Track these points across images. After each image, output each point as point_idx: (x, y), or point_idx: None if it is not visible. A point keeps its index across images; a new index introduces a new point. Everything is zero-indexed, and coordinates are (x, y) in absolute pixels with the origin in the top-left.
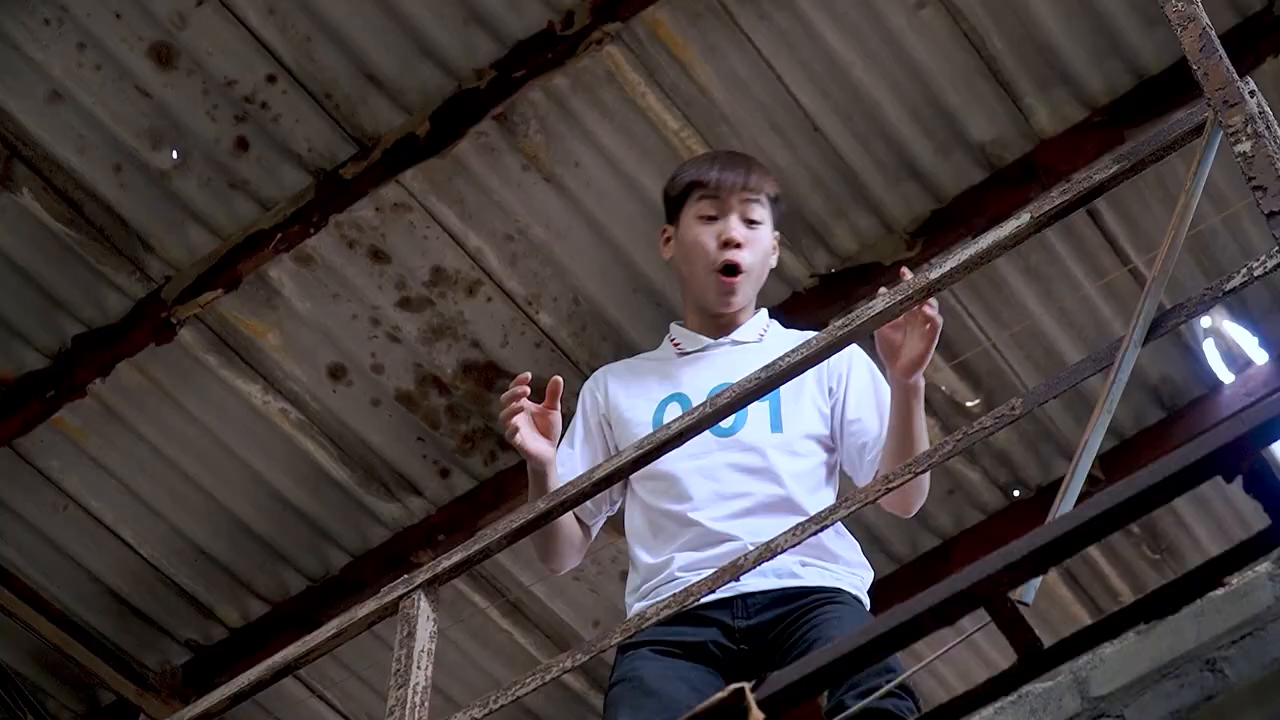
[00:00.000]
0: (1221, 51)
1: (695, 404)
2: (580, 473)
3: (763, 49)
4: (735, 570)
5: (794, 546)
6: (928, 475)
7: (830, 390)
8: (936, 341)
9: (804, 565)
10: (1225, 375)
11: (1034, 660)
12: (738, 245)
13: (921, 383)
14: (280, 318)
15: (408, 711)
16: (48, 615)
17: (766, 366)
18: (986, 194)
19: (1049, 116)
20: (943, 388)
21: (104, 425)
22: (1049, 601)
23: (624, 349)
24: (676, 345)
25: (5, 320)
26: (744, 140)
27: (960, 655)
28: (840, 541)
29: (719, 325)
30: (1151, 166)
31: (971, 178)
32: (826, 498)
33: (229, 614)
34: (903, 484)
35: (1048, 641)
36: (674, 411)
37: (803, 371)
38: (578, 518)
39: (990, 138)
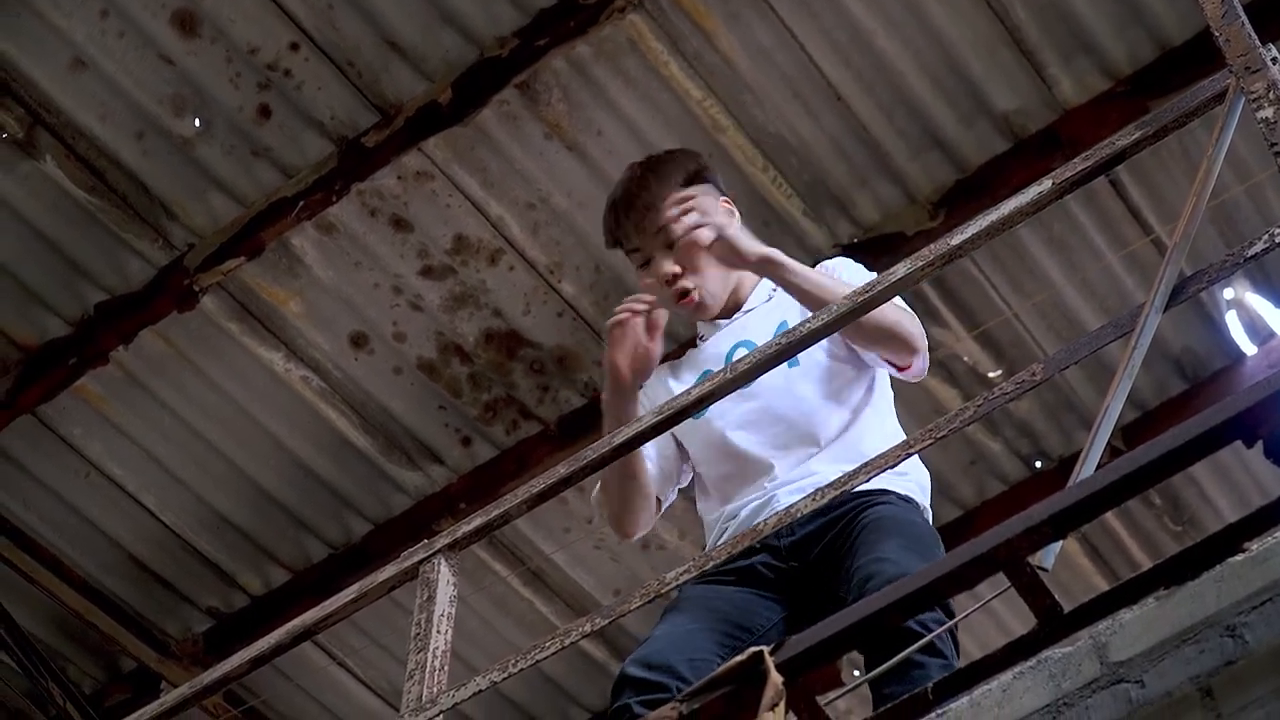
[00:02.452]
0: (1244, 17)
1: (717, 371)
2: (655, 451)
3: (785, 18)
4: (792, 515)
5: (854, 486)
6: (896, 316)
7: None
8: (713, 239)
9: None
10: (1248, 347)
11: (1053, 625)
12: (670, 281)
13: (770, 256)
14: (302, 286)
15: (427, 675)
16: (69, 582)
17: (788, 332)
18: (1010, 164)
19: (1072, 86)
20: (965, 357)
21: (126, 392)
22: (1070, 572)
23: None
24: (701, 338)
25: (28, 288)
26: (767, 110)
27: (979, 622)
28: (879, 445)
29: (727, 308)
30: (1175, 136)
31: (995, 147)
32: (851, 413)
33: (251, 581)
34: (921, 449)
35: (1067, 610)
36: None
37: (822, 338)
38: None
39: (1013, 107)
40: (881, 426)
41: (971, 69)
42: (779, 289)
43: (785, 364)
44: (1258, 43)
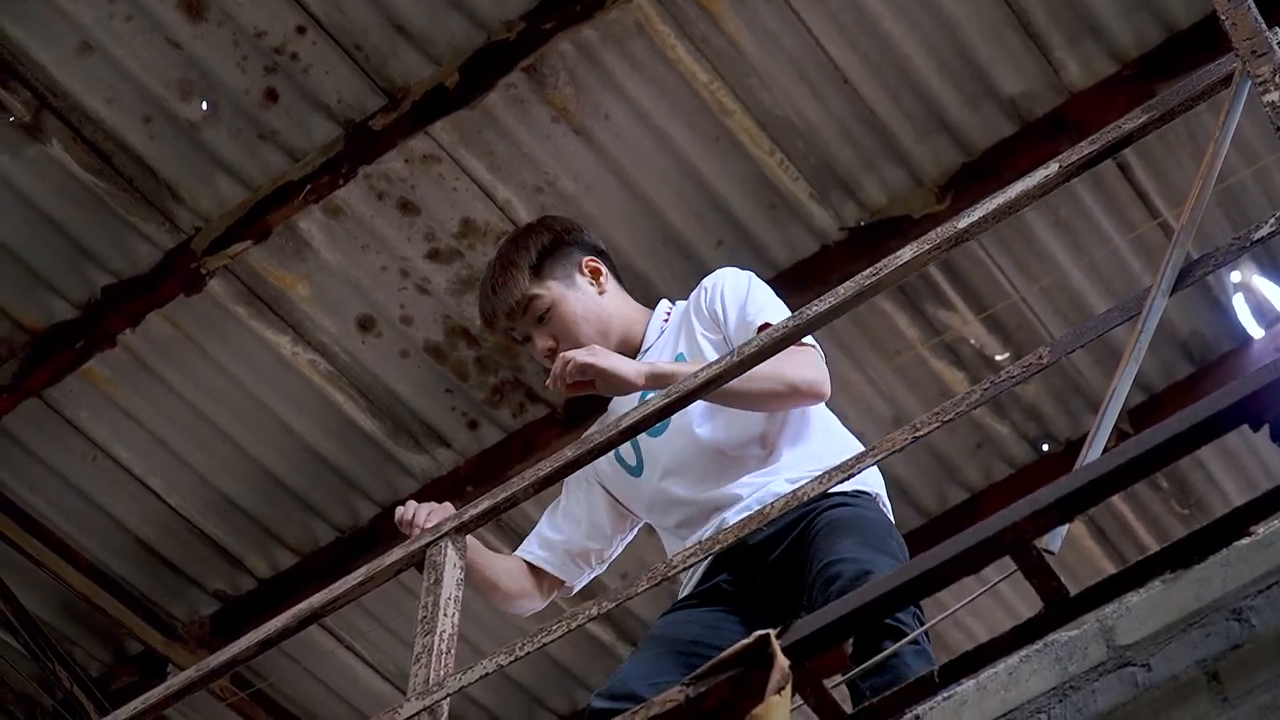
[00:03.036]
0: (1250, 1)
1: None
2: (559, 530)
3: (792, 1)
4: (763, 518)
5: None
6: (769, 375)
7: (715, 315)
8: (595, 377)
9: (791, 481)
10: (1255, 330)
11: (1060, 608)
12: (550, 353)
13: (650, 371)
14: (309, 269)
15: (434, 658)
16: (76, 565)
17: (797, 313)
18: (1016, 147)
19: (1079, 70)
20: (971, 341)
21: (133, 376)
22: (1077, 555)
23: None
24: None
25: (35, 271)
26: (774, 93)
27: (987, 605)
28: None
29: (629, 354)
30: (1181, 120)
31: (1001, 130)
32: (785, 420)
33: (258, 564)
34: (928, 433)
35: (1074, 593)
36: (625, 448)
37: (831, 319)
38: (548, 572)
39: (1020, 91)
40: (817, 422)
41: (978, 52)
42: (671, 315)
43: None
44: (1264, 26)
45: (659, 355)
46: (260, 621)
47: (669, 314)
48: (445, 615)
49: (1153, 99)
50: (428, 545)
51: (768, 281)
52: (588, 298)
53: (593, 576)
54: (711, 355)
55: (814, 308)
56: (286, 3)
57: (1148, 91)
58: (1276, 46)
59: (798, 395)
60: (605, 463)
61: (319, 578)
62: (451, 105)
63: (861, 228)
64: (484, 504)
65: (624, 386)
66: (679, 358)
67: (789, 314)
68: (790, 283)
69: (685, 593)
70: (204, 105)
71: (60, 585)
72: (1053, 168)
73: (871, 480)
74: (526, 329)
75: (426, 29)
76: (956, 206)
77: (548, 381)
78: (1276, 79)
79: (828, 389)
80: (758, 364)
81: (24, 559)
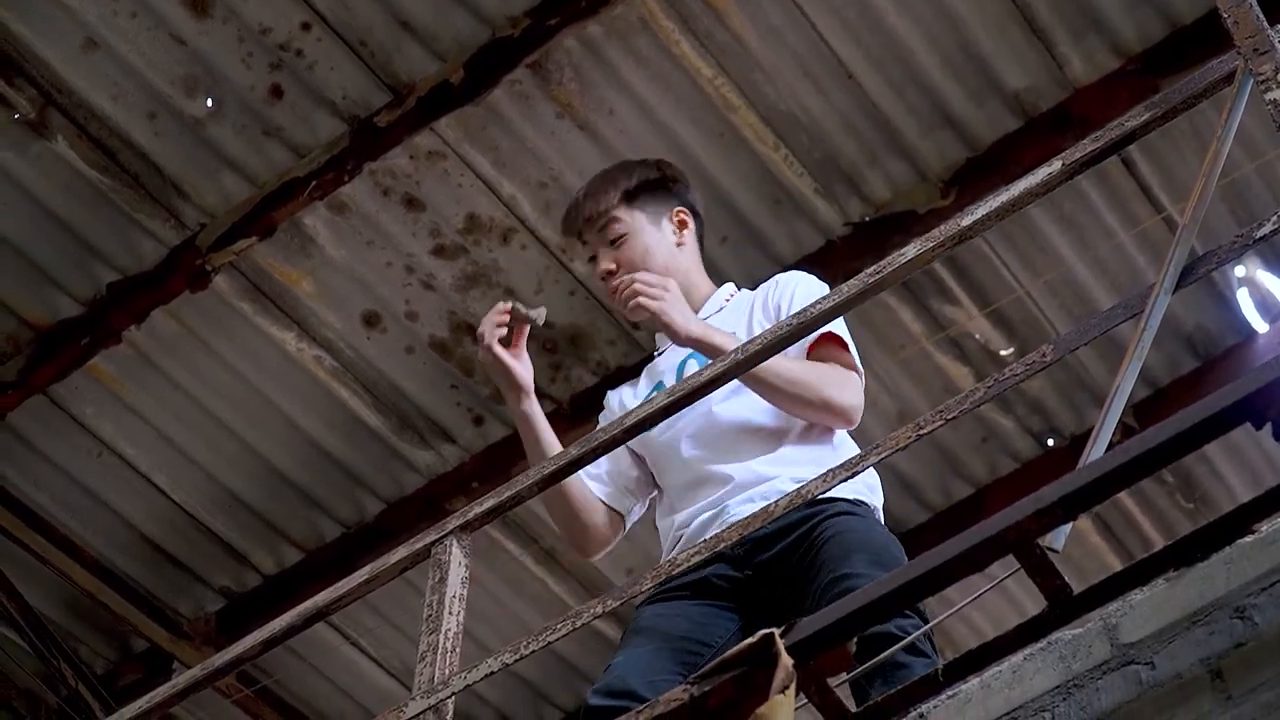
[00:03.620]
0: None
1: (667, 383)
2: (613, 462)
3: None
4: (767, 516)
5: (825, 490)
6: (808, 381)
7: (779, 311)
8: (650, 309)
9: (795, 481)
10: (1259, 324)
11: (1064, 607)
12: (610, 274)
13: (700, 336)
14: (315, 265)
15: (439, 657)
16: (81, 562)
17: (799, 312)
18: (1021, 142)
19: (1083, 65)
20: (976, 336)
21: (139, 372)
22: (1083, 550)
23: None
24: (657, 351)
25: (41, 267)
26: (778, 88)
27: (994, 602)
28: (832, 446)
29: None
30: (1186, 115)
31: (1006, 126)
32: (804, 426)
33: (264, 561)
34: (933, 430)
35: (1078, 591)
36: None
37: (801, 339)
38: (607, 505)
39: (1024, 86)
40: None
41: (982, 47)
42: (734, 297)
43: None
44: (1266, 25)
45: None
46: (266, 618)
47: (731, 296)
48: (450, 614)
49: (1155, 96)
50: (433, 543)
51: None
52: (665, 243)
53: (637, 516)
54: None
55: (818, 305)
56: None
57: (1152, 86)
58: (1278, 44)
59: (827, 413)
60: (623, 408)
61: (325, 574)
62: (456, 101)
63: (866, 223)
64: (489, 502)
65: (671, 333)
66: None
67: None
68: None
69: (670, 581)
70: (209, 102)
71: (65, 582)
72: (1056, 165)
73: (875, 492)
74: (597, 246)
75: (431, 25)
76: (961, 202)
77: (611, 290)
78: (1278, 77)
79: (857, 418)
80: (770, 354)
81: (29, 556)
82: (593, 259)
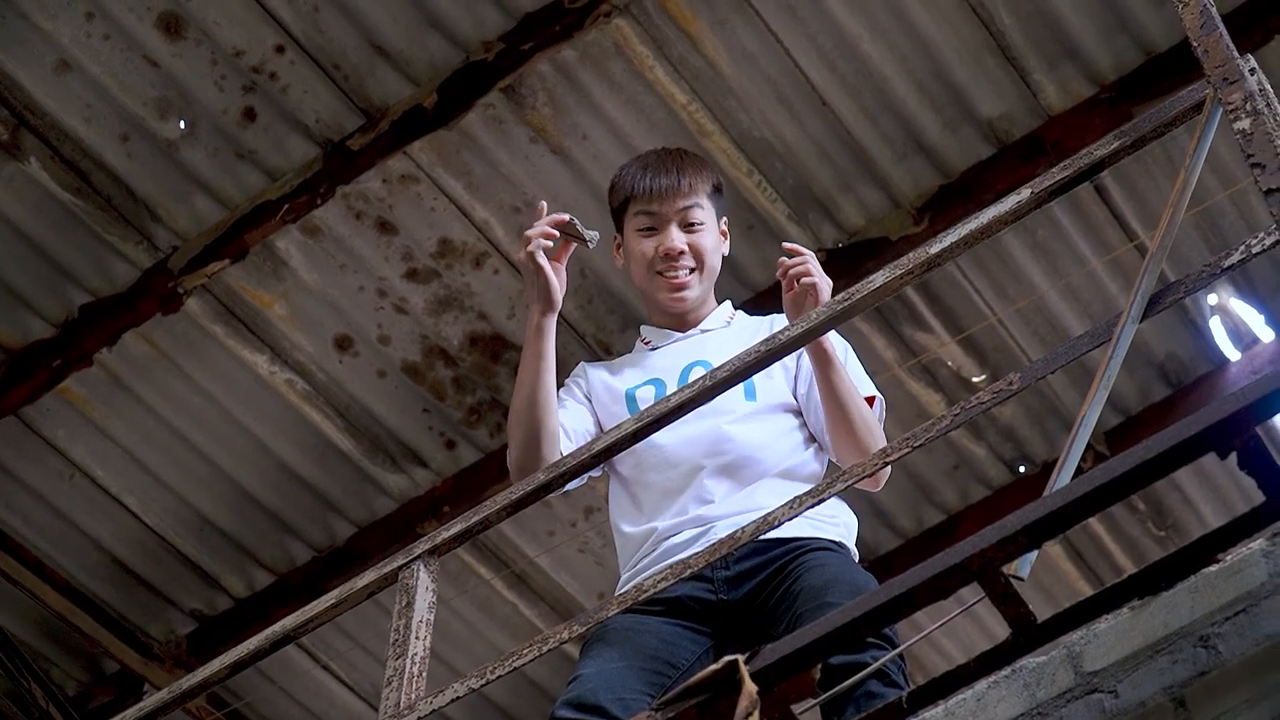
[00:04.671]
0: (1222, 28)
1: (670, 386)
2: (578, 419)
3: (770, 22)
4: (733, 543)
5: (792, 517)
6: (873, 435)
7: (789, 364)
8: (825, 294)
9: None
10: (1232, 352)
11: (1027, 635)
12: (680, 254)
13: (830, 348)
14: (287, 288)
15: (405, 681)
16: (53, 584)
17: (766, 340)
18: (994, 169)
19: (1057, 92)
20: (949, 363)
21: (110, 394)
22: (1053, 577)
23: (630, 321)
24: (647, 342)
25: (12, 289)
26: (751, 114)
27: (962, 627)
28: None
29: (684, 320)
30: (1159, 142)
31: (979, 153)
32: (802, 457)
33: (234, 584)
34: (899, 457)
35: (1042, 619)
36: (647, 393)
37: (798, 348)
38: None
39: (998, 113)
40: (826, 472)
41: (956, 74)
42: (735, 318)
43: (744, 395)
44: (1235, 54)
45: (719, 345)
46: (237, 641)
47: (732, 317)
48: (417, 638)
49: (1125, 125)
50: (400, 568)
51: (745, 302)
52: (719, 248)
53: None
54: (780, 375)
55: (787, 333)
56: (265, 22)
57: (1125, 114)
58: (1249, 74)
59: (874, 478)
60: (612, 405)
61: (296, 597)
62: (430, 125)
63: (839, 249)
64: (457, 527)
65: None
66: None
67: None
68: (767, 304)
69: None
70: (182, 124)
71: (36, 604)
72: (1025, 193)
73: (848, 533)
74: (673, 219)
75: (405, 49)
76: (934, 229)
77: (788, 256)
78: (1248, 106)
79: (880, 486)
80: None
81: (0, 578)
82: (649, 230)
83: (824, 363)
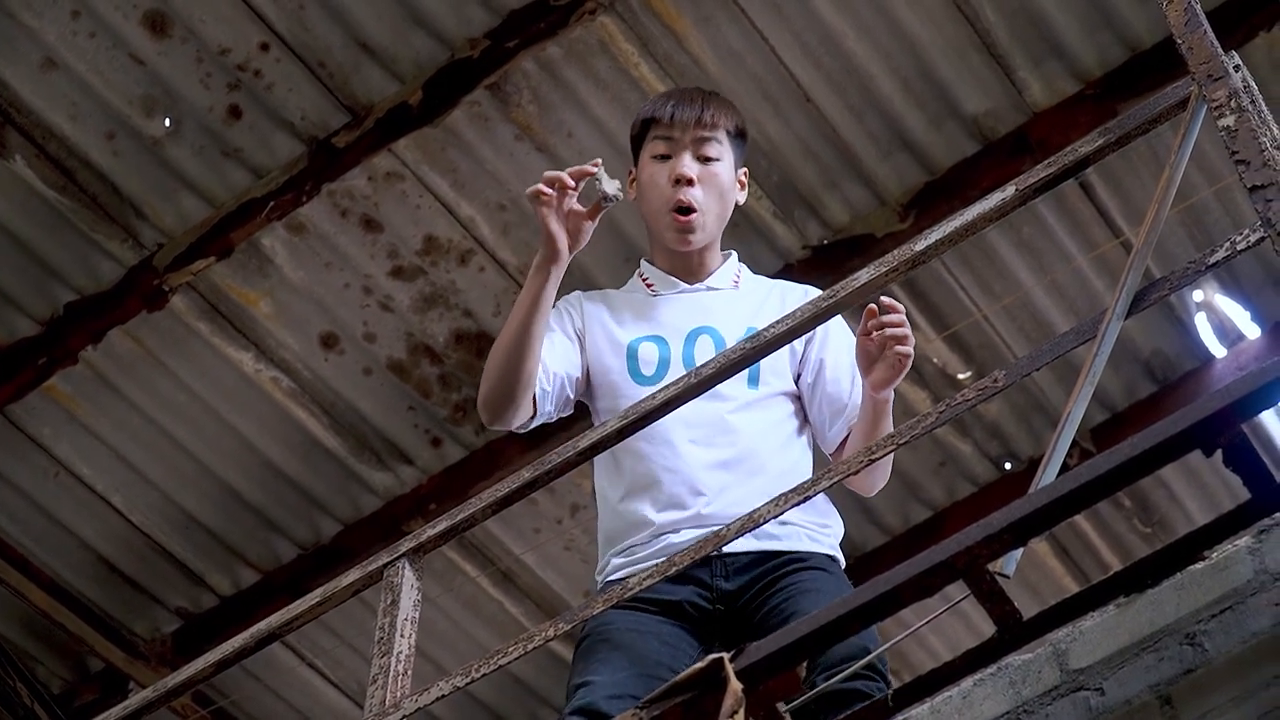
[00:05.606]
0: (1206, 26)
1: (674, 348)
2: (559, 359)
3: (755, 19)
4: (719, 541)
5: (778, 516)
6: (890, 458)
7: (796, 347)
8: (907, 370)
9: (782, 524)
10: (1217, 349)
11: (1013, 632)
12: (690, 183)
13: (891, 396)
14: (272, 286)
15: (390, 680)
16: (37, 582)
17: (754, 337)
18: (979, 166)
19: (1042, 89)
20: (934, 359)
21: (96, 392)
22: (1039, 574)
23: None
24: (649, 285)
25: None
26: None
27: (949, 624)
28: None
29: (689, 268)
30: (1144, 139)
31: (964, 150)
32: (797, 451)
33: (220, 582)
34: (884, 455)
35: (1028, 617)
36: (649, 350)
37: (789, 341)
38: (536, 403)
39: (983, 110)
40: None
41: (941, 71)
42: (741, 276)
43: (746, 381)
44: (1220, 51)
45: (725, 308)
46: (223, 639)
47: (739, 275)
48: (402, 636)
49: (1110, 122)
50: (385, 566)
51: None
52: (733, 191)
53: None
54: (785, 358)
55: (771, 330)
56: (250, 20)
57: (1110, 111)
58: (1233, 71)
59: (880, 474)
60: (610, 354)
61: (281, 595)
62: (415, 123)
63: (824, 246)
64: (442, 525)
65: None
66: (749, 331)
67: None
68: None
69: (642, 593)
70: (167, 122)
71: (21, 602)
72: (1009, 191)
73: (838, 544)
74: (689, 147)
75: (390, 47)
76: (919, 226)
77: (883, 307)
78: (1232, 103)
79: (874, 492)
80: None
81: None
82: (664, 157)
83: (884, 408)
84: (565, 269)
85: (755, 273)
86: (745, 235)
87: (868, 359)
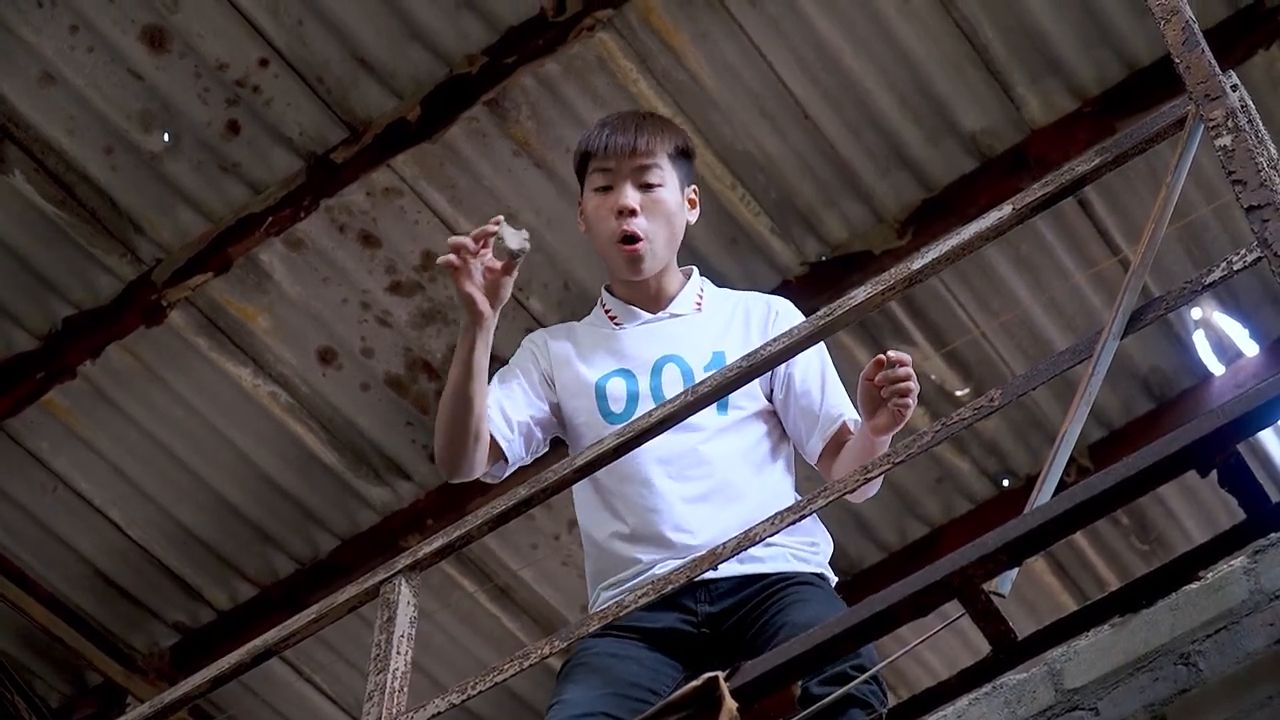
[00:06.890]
0: (1204, 45)
1: (641, 380)
2: (520, 407)
3: (753, 36)
4: (714, 559)
5: (774, 534)
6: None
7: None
8: (908, 419)
9: (767, 546)
10: (1215, 366)
11: (1008, 652)
12: (632, 213)
13: (888, 439)
14: (270, 301)
15: (386, 697)
16: (36, 596)
17: (748, 356)
18: (977, 183)
19: (1040, 106)
20: (932, 376)
21: (94, 407)
22: (1036, 591)
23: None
24: (612, 317)
25: None
26: (735, 127)
27: (946, 642)
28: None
29: (648, 296)
30: (1142, 156)
31: (962, 167)
32: (776, 474)
33: (217, 596)
34: (879, 475)
35: (1023, 636)
36: (617, 386)
37: (781, 362)
38: (494, 440)
39: (981, 127)
40: (801, 486)
41: (939, 88)
42: (705, 296)
43: (715, 409)
44: (1217, 70)
45: (690, 334)
46: (220, 653)
47: (702, 294)
48: (398, 653)
49: (1107, 141)
50: (381, 582)
51: None
52: (681, 212)
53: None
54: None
55: (768, 348)
56: (249, 35)
57: (1108, 128)
58: (1230, 90)
59: (861, 492)
60: (580, 395)
61: (279, 610)
62: (413, 138)
63: (822, 263)
64: (438, 541)
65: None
66: (717, 356)
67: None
68: None
69: (624, 621)
70: (166, 137)
71: (20, 616)
72: (1006, 209)
73: (827, 562)
74: (629, 178)
75: (388, 62)
76: (917, 242)
77: (891, 361)
78: (1229, 123)
79: (865, 498)
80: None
81: None
82: (605, 189)
83: (880, 446)
84: (494, 326)
85: (719, 285)
86: (743, 252)
87: (870, 404)
